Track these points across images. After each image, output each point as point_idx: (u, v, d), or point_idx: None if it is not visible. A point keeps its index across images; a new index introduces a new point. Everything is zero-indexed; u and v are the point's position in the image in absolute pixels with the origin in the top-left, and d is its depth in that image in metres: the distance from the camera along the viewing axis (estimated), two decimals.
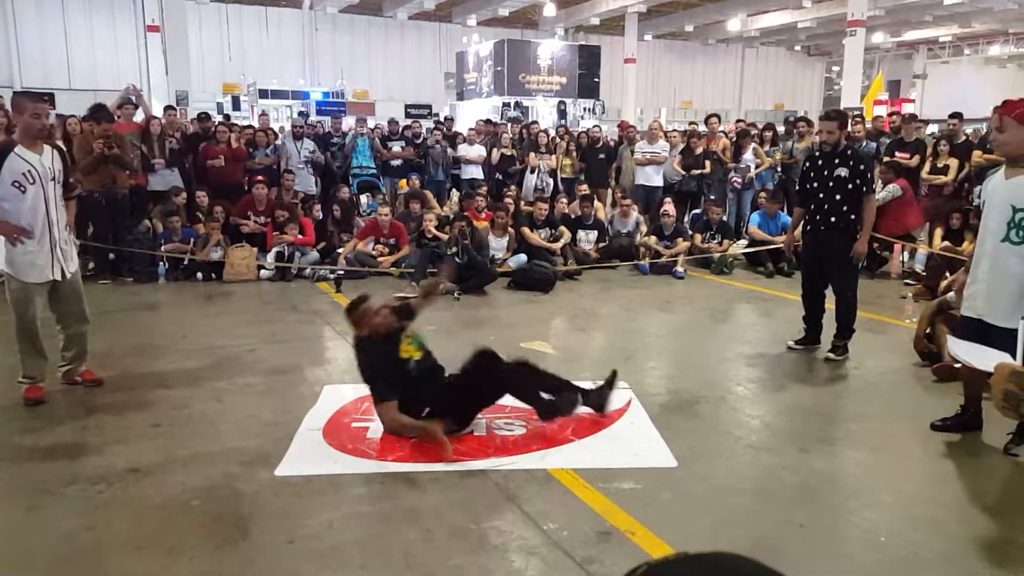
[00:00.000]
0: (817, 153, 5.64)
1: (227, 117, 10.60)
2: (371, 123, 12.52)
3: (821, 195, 5.41)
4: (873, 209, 5.57)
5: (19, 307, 4.49)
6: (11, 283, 4.48)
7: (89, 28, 26.80)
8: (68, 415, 4.40)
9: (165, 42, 19.46)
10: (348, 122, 12.17)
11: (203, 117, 10.23)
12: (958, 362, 5.01)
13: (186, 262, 8.39)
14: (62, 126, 8.71)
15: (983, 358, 4.67)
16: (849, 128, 6.89)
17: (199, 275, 8.37)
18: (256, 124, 13.55)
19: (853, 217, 5.38)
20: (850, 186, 5.33)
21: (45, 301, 4.63)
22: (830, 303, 5.68)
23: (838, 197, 5.35)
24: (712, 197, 10.02)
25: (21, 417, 4.35)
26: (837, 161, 5.39)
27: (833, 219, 5.39)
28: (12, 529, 3.16)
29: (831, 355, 5.49)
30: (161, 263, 8.35)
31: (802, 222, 5.69)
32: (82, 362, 4.88)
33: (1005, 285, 3.77)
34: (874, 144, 9.90)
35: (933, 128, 12.34)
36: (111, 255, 8.37)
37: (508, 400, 4.53)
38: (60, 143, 5.34)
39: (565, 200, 9.82)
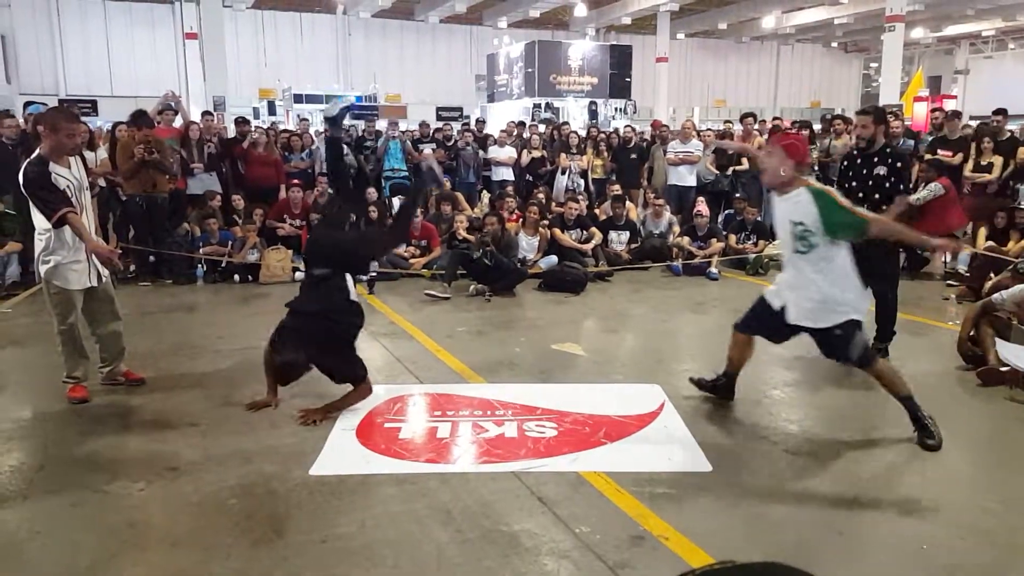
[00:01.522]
0: (855, 152, 5.52)
1: (245, 121, 10.40)
2: (402, 126, 12.60)
3: (861, 194, 5.27)
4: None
5: (61, 310, 4.58)
6: (52, 288, 4.56)
7: (130, 37, 27.44)
8: (109, 414, 4.49)
9: (203, 49, 19.80)
10: (381, 125, 12.24)
11: (240, 121, 10.38)
12: (1005, 365, 4.92)
13: (223, 264, 8.53)
14: (111, 133, 8.93)
15: None
16: (888, 125, 6.65)
17: (236, 277, 8.50)
18: (292, 128, 13.74)
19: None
20: (888, 185, 5.22)
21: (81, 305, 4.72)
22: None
23: (877, 196, 5.22)
24: (738, 195, 9.86)
25: (65, 416, 4.46)
26: (876, 159, 5.27)
27: None
28: (57, 525, 3.23)
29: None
30: (199, 265, 8.49)
31: None
32: (120, 360, 4.96)
33: None
34: (912, 141, 9.71)
35: (971, 124, 12.06)
36: (151, 257, 8.54)
37: (540, 402, 4.55)
38: (84, 154, 5.49)
39: (584, 201, 9.71)
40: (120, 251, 4.65)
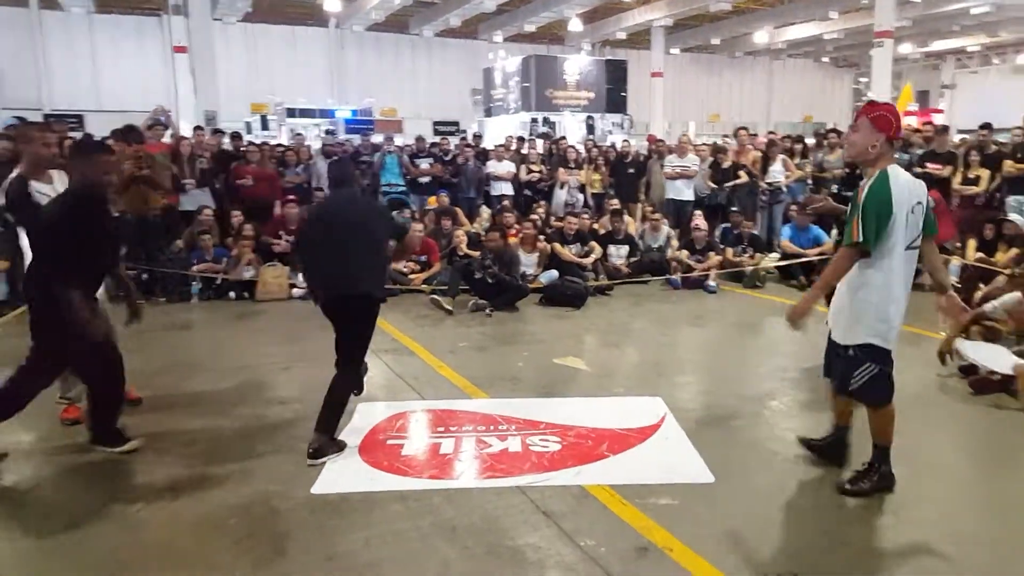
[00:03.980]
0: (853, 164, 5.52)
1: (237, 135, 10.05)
2: (398, 140, 12.60)
3: None
4: None
5: None
6: None
7: (117, 50, 27.15)
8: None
9: (193, 63, 19.74)
10: (378, 139, 12.25)
11: (235, 137, 10.36)
12: (995, 373, 4.95)
13: (219, 282, 8.49)
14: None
15: (997, 359, 4.62)
16: None
17: (231, 294, 8.46)
18: (285, 143, 13.73)
19: None
20: None
21: None
22: None
23: None
24: (734, 209, 9.88)
25: (59, 436, 4.41)
26: None
27: None
28: (55, 547, 3.19)
29: None
30: (194, 283, 8.44)
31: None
32: None
33: None
34: (906, 156, 9.77)
35: (957, 138, 12.17)
36: (144, 275, 8.48)
37: (543, 416, 4.53)
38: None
39: (586, 216, 9.72)
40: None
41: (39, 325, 3.92)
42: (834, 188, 9.16)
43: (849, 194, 5.28)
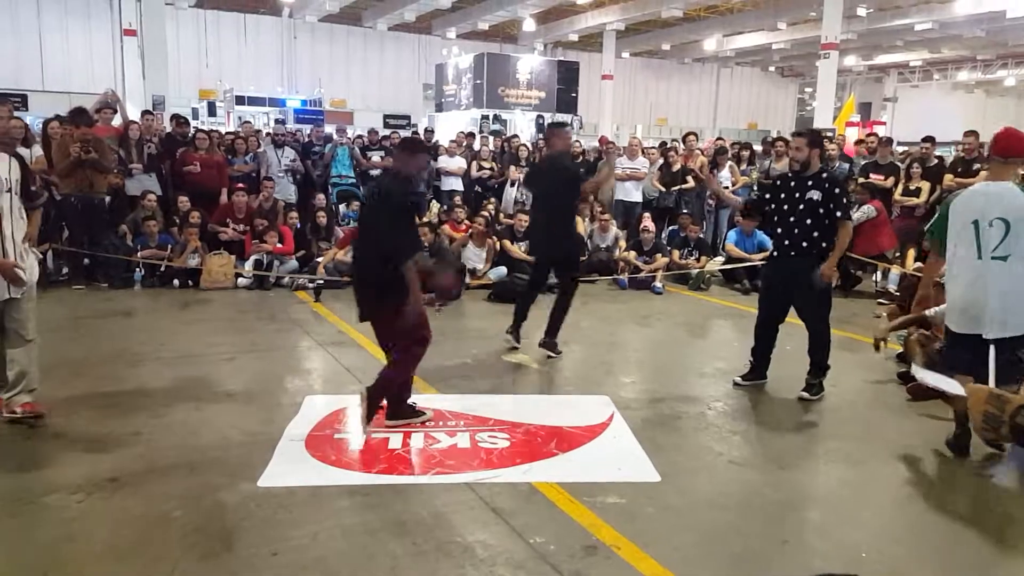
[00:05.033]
0: (789, 174, 5.25)
1: (185, 121, 9.74)
2: (350, 132, 12.47)
3: (792, 218, 5.03)
4: (848, 235, 5.09)
5: None
6: None
7: (64, 30, 26.49)
8: (43, 422, 4.29)
9: (143, 46, 19.20)
10: (330, 130, 12.11)
11: (181, 122, 10.10)
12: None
13: (162, 268, 8.29)
14: (43, 129, 8.59)
15: (951, 382, 4.79)
16: (824, 149, 6.08)
17: (175, 282, 8.29)
18: (234, 130, 13.45)
19: (825, 244, 4.99)
20: (822, 210, 4.94)
21: None
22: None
23: (809, 221, 4.97)
24: (684, 212, 10.07)
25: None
26: (810, 183, 4.99)
27: (804, 244, 4.99)
28: None
29: (806, 394, 5.12)
30: (137, 269, 8.24)
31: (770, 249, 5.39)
32: (21, 391, 4.25)
33: None
34: (847, 165, 10.08)
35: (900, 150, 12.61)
36: (86, 260, 8.24)
37: (491, 413, 4.56)
38: (19, 150, 4.95)
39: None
40: (23, 267, 4.09)
41: None
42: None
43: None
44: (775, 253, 5.26)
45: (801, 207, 5.01)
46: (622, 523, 3.31)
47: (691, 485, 3.77)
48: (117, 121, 9.15)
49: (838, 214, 4.97)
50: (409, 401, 4.45)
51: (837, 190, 5.00)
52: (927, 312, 5.59)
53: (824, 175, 5.07)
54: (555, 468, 3.88)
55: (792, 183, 5.13)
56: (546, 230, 6.10)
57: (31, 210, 4.34)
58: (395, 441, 4.15)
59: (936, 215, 4.40)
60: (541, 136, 19.54)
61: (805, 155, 5.04)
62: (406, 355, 4.34)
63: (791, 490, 3.78)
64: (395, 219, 4.19)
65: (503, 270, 8.60)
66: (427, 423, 4.38)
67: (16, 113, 5.57)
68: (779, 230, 5.15)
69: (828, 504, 3.68)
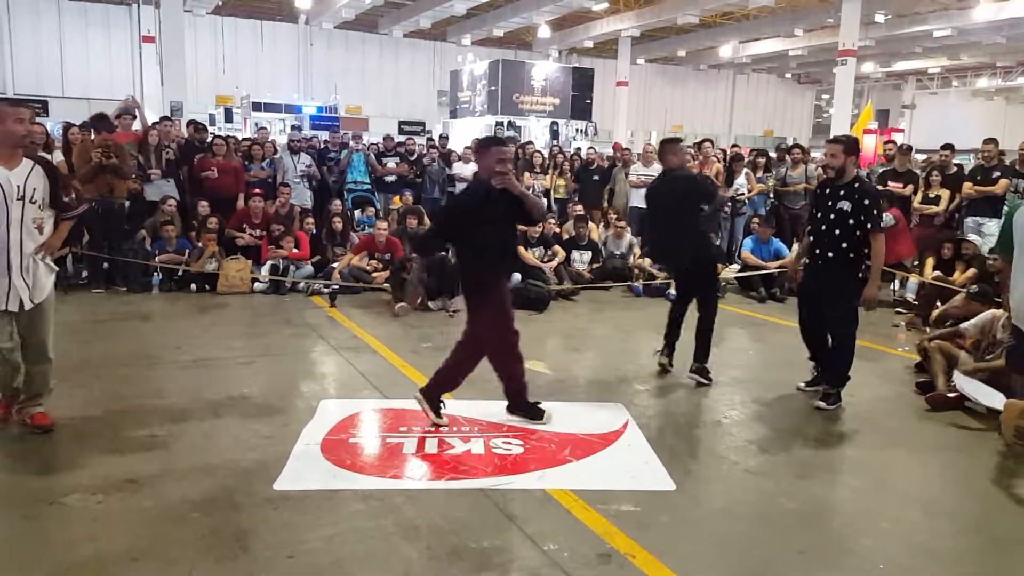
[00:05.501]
0: (824, 183, 5.23)
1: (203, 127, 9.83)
2: (366, 139, 12.54)
3: (823, 227, 5.02)
4: (882, 246, 4.92)
5: None
6: None
7: (85, 37, 26.92)
8: (63, 424, 4.33)
9: (161, 53, 19.45)
10: (345, 136, 12.20)
11: (200, 128, 10.21)
12: (953, 391, 5.11)
13: (180, 273, 8.37)
14: (63, 135, 8.70)
15: (990, 396, 4.77)
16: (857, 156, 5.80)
17: (193, 286, 8.35)
18: (250, 136, 13.56)
19: (852, 255, 4.94)
20: (851, 221, 4.88)
21: (13, 328, 4.11)
22: None
23: (837, 232, 4.93)
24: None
25: (14, 427, 4.30)
26: (842, 193, 4.94)
27: (831, 254, 4.98)
28: (11, 538, 3.13)
29: (822, 404, 5.07)
30: (155, 273, 8.31)
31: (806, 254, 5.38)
32: (35, 403, 4.27)
33: None
34: (864, 171, 10.02)
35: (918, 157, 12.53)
36: (105, 264, 8.33)
37: (505, 419, 4.56)
38: (48, 156, 4.95)
39: (551, 221, 9.80)
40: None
41: None
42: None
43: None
44: (808, 260, 5.28)
45: (832, 216, 4.98)
46: (636, 531, 3.29)
47: (706, 494, 3.76)
48: (136, 127, 9.26)
49: (868, 226, 4.87)
50: (442, 398, 4.52)
51: (867, 201, 4.88)
52: (961, 327, 5.57)
53: (856, 184, 4.99)
54: (569, 475, 3.87)
55: (826, 191, 5.11)
56: (670, 241, 6.04)
57: (63, 220, 4.24)
58: (409, 446, 4.16)
59: (999, 231, 4.53)
60: (555, 143, 19.62)
61: (840, 162, 4.99)
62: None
63: (808, 500, 3.75)
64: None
65: (517, 277, 8.60)
66: (440, 428, 4.39)
67: (37, 119, 5.64)
68: (811, 238, 5.19)
69: (845, 514, 3.65)
